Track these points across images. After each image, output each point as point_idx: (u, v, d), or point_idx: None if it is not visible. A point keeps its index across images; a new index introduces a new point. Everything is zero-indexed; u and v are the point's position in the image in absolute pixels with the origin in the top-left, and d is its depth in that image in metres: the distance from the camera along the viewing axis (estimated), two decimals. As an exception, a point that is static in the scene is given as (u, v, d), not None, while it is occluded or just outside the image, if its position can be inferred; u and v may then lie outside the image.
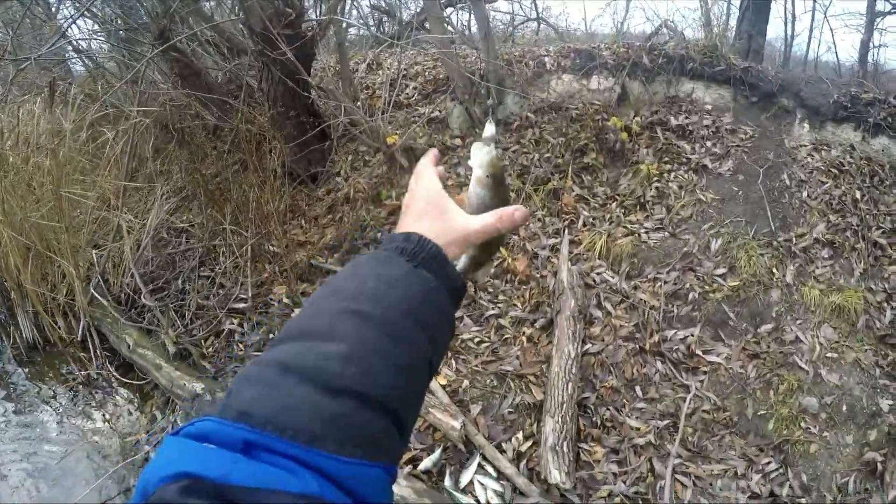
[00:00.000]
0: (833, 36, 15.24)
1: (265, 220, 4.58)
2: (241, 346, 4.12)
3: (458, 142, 5.37)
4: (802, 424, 3.38)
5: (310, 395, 0.49)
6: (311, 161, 5.41)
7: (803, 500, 3.16)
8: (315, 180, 5.50)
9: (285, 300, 4.29)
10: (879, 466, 3.22)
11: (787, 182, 4.37)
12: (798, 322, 3.73)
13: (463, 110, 5.51)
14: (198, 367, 4.08)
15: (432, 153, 0.80)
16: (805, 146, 4.53)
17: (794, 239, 4.08)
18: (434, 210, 0.71)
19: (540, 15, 8.62)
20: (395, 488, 3.08)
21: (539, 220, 4.63)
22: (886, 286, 3.83)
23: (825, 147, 4.50)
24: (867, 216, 4.09)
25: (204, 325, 4.37)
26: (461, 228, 0.70)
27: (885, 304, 3.75)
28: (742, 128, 4.79)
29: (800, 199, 4.29)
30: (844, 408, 3.42)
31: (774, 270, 3.94)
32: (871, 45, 7.09)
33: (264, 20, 4.28)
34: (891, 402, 3.42)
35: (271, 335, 4.08)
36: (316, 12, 5.96)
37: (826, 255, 4.00)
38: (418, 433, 3.36)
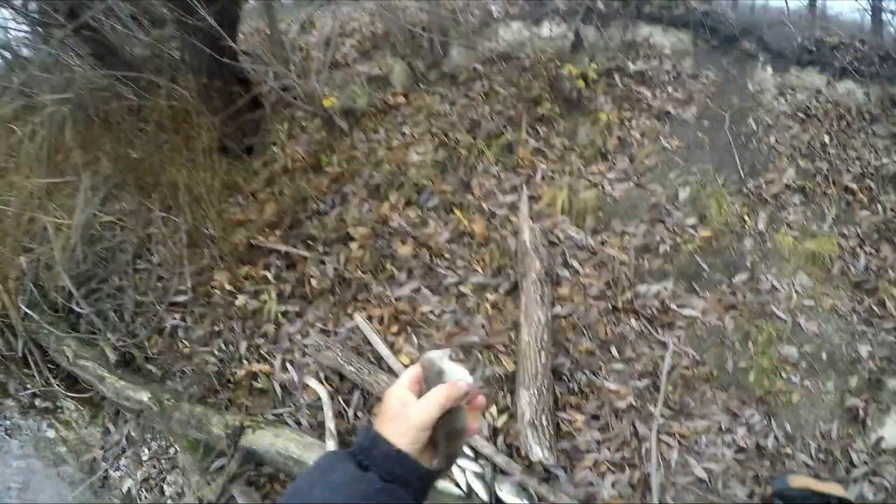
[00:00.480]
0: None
1: (198, 201, 4.14)
2: (185, 343, 3.79)
3: (400, 99, 5.02)
4: (783, 374, 3.27)
5: None
6: (244, 132, 4.97)
7: (788, 450, 3.07)
8: (251, 152, 5.05)
9: (227, 287, 3.92)
10: (861, 412, 3.18)
11: (754, 127, 4.25)
12: (773, 270, 3.62)
13: (405, 66, 5.18)
14: (143, 371, 3.76)
15: (411, 375, 0.80)
16: (770, 90, 4.42)
17: (764, 185, 3.96)
18: (399, 407, 0.75)
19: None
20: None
21: (494, 176, 4.34)
22: (859, 231, 3.76)
23: (790, 91, 4.41)
24: (836, 161, 4.02)
25: (146, 324, 3.99)
26: (412, 415, 0.73)
27: (859, 250, 3.69)
28: (704, 72, 4.64)
29: (768, 145, 4.17)
30: (824, 355, 3.33)
31: (746, 218, 3.81)
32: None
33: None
34: (869, 349, 3.36)
35: (215, 327, 3.75)
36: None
37: (797, 202, 3.90)
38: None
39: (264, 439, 3.06)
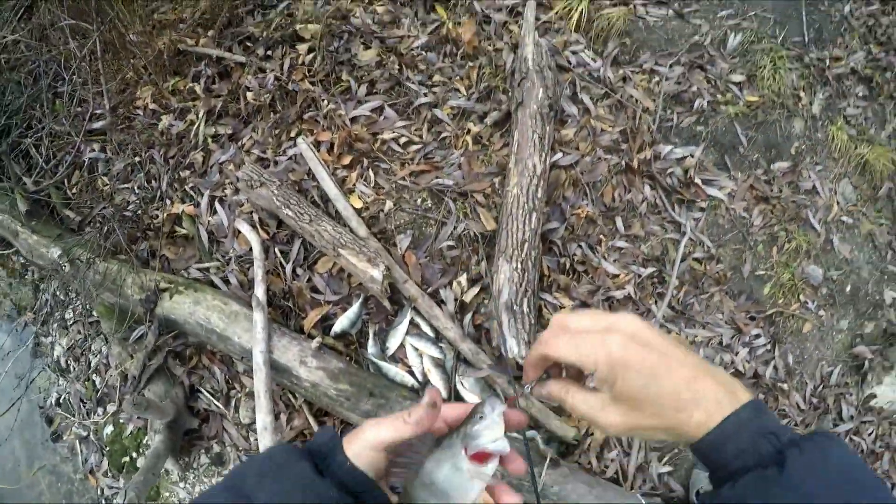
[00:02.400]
0: None
1: None
2: (105, 179, 3.21)
3: None
4: (801, 297, 2.85)
5: None
6: None
7: (784, 386, 2.72)
8: None
9: (151, 105, 3.21)
10: (866, 364, 2.90)
11: (832, -16, 3.52)
12: (818, 168, 3.08)
13: None
14: (61, 218, 3.27)
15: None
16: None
17: (828, 61, 3.31)
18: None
19: None
20: (303, 372, 2.33)
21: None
22: (920, 149, 3.31)
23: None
24: (915, 57, 3.45)
25: (63, 159, 3.33)
26: (365, 428, 0.69)
27: (915, 172, 3.25)
28: None
29: (841, 14, 3.48)
30: (849, 288, 2.95)
31: (802, 94, 3.18)
32: None
33: None
34: (895, 295, 3.03)
35: (137, 157, 3.12)
36: None
37: (860, 94, 3.32)
38: (330, 278, 2.51)
39: (183, 306, 2.54)
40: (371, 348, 2.38)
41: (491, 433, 0.67)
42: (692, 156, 2.87)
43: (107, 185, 3.19)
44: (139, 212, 2.93)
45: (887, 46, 3.47)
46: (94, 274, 2.74)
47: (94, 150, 3.29)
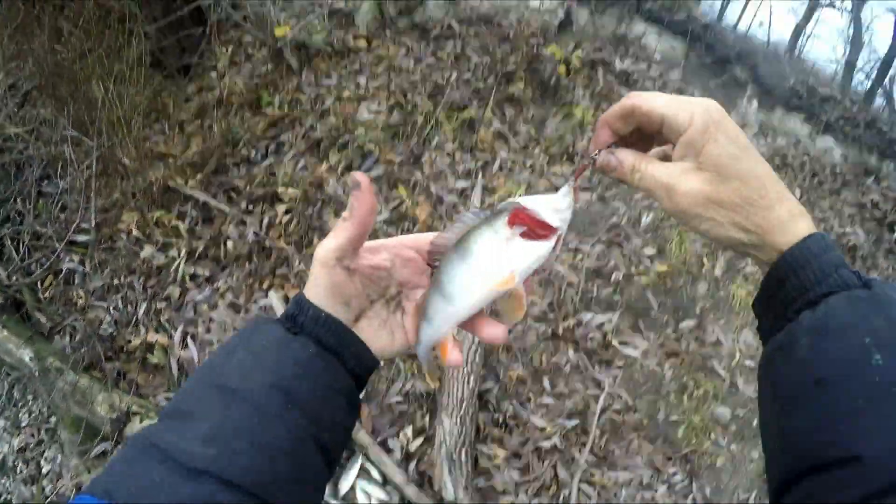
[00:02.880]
0: (771, 13, 15.81)
1: (117, 123, 3.76)
2: (80, 292, 3.42)
3: (362, 43, 4.65)
4: (712, 435, 3.39)
5: (169, 476, 0.50)
6: (184, 48, 4.54)
7: (703, 516, 3.20)
8: (187, 73, 4.62)
9: (135, 232, 3.55)
10: None
11: (730, 163, 4.34)
12: (721, 322, 3.72)
13: (375, 5, 4.81)
14: (32, 320, 3.41)
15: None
16: (752, 126, 4.51)
17: (728, 228, 4.06)
18: None
19: None
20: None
21: (449, 155, 4.15)
22: (809, 296, 3.96)
23: (772, 132, 4.52)
24: (802, 217, 4.19)
25: (42, 261, 3.56)
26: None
27: (806, 315, 3.89)
28: (690, 89, 4.66)
29: (738, 185, 4.28)
30: (755, 422, 3.49)
31: (705, 260, 3.89)
32: (804, 32, 7.46)
33: None
34: (796, 421, 3.56)
35: (115, 280, 3.42)
36: None
37: (757, 252, 4.04)
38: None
39: (152, 432, 2.80)
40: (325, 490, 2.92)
41: (550, 201, 0.62)
42: (610, 321, 3.54)
43: (81, 297, 3.41)
44: (113, 332, 3.22)
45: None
46: (63, 384, 2.99)
47: (73, 261, 3.54)
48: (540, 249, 0.61)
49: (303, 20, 4.42)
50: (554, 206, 0.62)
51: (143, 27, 4.21)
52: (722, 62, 4.74)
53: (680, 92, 4.68)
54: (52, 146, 3.88)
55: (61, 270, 3.49)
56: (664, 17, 4.74)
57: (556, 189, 0.65)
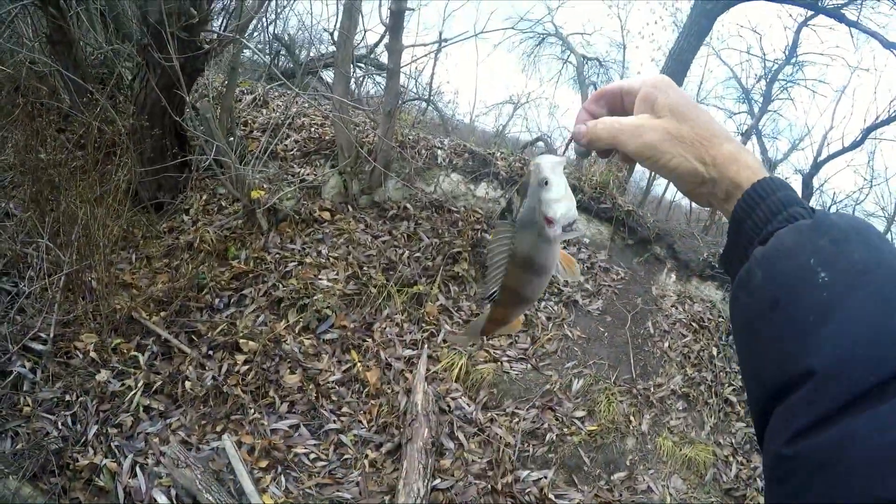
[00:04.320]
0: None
1: (89, 242, 4.03)
2: (27, 400, 3.51)
3: (326, 215, 5.38)
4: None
5: None
6: (160, 186, 5.08)
7: None
8: (159, 210, 5.14)
9: (92, 354, 3.79)
10: None
11: (651, 330, 5.03)
12: (651, 472, 4.18)
13: (340, 182, 5.59)
14: None
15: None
16: (671, 297, 5.29)
17: (652, 388, 4.65)
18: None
19: (431, 98, 9.28)
20: None
21: (398, 325, 4.82)
22: (733, 441, 4.48)
23: (689, 300, 5.29)
24: (720, 373, 4.81)
25: None
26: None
27: (731, 459, 4.37)
28: (615, 268, 5.49)
29: (661, 349, 4.93)
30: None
31: (632, 418, 4.43)
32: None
33: (162, 12, 4.03)
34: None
35: (67, 396, 3.56)
36: (220, 26, 5.71)
37: (681, 408, 4.59)
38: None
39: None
40: None
41: (552, 158, 0.82)
42: (545, 477, 3.99)
43: (28, 406, 3.44)
44: (60, 448, 3.26)
45: (699, 366, 4.84)
46: (3, 488, 3.00)
47: (24, 367, 3.58)
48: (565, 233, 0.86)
49: (276, 185, 5.13)
50: (556, 160, 0.84)
51: (133, 161, 4.54)
52: (643, 242, 5.64)
53: (605, 271, 5.51)
54: (17, 245, 4.07)
55: (11, 372, 3.54)
56: (593, 207, 5.71)
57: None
